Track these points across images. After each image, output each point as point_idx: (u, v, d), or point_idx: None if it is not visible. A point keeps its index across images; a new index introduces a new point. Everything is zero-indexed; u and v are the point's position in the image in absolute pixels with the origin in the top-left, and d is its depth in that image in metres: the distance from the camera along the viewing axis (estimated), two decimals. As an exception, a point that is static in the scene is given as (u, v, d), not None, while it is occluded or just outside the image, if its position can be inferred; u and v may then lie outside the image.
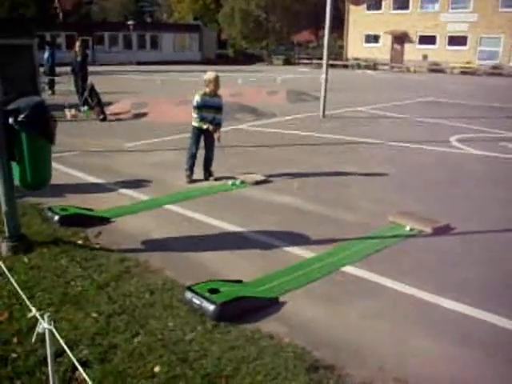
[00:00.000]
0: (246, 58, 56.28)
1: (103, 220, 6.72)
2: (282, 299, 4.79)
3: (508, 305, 4.82)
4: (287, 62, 53.48)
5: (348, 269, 5.47)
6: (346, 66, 47.29)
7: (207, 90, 8.36)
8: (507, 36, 40.95)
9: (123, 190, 8.15)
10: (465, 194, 8.21)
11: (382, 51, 48.40)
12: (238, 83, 26.60)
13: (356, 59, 48.66)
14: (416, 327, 4.44)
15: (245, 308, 4.54)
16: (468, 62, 42.39)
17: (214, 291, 4.63)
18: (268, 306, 4.66)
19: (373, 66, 46.47)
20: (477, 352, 4.10)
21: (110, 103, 17.15)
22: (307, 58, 51.81)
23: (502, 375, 3.78)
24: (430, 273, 5.47)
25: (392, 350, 4.09)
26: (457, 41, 43.75)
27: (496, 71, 39.63)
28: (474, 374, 3.82)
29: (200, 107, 8.34)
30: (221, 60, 54.39)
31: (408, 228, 6.49)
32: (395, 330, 4.39)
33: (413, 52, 46.39)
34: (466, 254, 6.00)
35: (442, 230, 6.51)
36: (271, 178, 8.78)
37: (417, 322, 4.51)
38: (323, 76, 16.00)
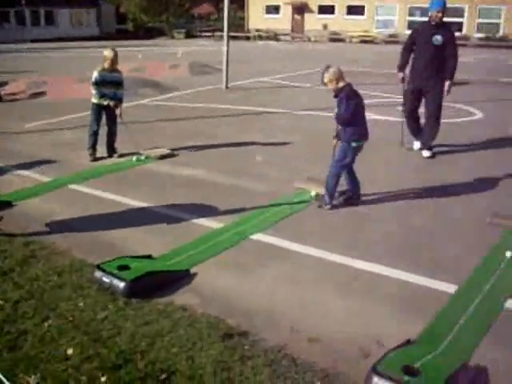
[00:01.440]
0: (147, 33, 55.00)
1: (5, 204, 6.46)
2: (193, 271, 4.82)
3: (416, 262, 5.08)
4: (189, 35, 52.79)
5: (257, 236, 5.57)
6: (247, 38, 47.29)
7: (105, 65, 8.16)
8: (402, 5, 42.25)
9: (25, 172, 7.85)
10: (368, 158, 8.47)
11: (282, 22, 48.72)
12: (139, 58, 26.02)
13: (258, 30, 48.70)
14: (327, 288, 4.59)
15: (156, 283, 4.54)
16: (366, 31, 43.46)
17: (123, 268, 4.60)
18: (179, 278, 4.68)
19: (274, 36, 46.71)
20: (388, 308, 4.30)
21: (4, 83, 16.36)
22: (209, 31, 51.36)
23: (413, 329, 3.97)
24: (337, 235, 5.67)
25: (305, 312, 4.22)
26: (355, 10, 44.72)
27: (393, 39, 40.82)
28: (387, 330, 3.99)
29: (99, 83, 8.13)
30: (120, 35, 52.88)
31: (313, 193, 6.65)
32: (307, 292, 4.53)
33: (313, 22, 47.01)
34: (373, 215, 6.24)
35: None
36: (177, 152, 8.72)
37: (328, 284, 4.67)
38: (224, 48, 15.95)
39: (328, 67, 6.05)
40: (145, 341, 3.77)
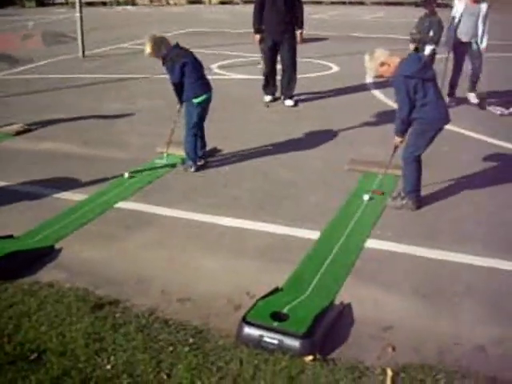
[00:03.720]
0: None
1: None
2: (58, 246, 4.68)
3: (281, 213, 5.28)
4: (41, 3, 49.89)
5: (122, 204, 5.50)
6: (104, 4, 45.45)
7: None
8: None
9: None
10: (230, 116, 8.58)
11: (139, -15, 47.28)
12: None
13: (115, -5, 47.00)
14: (195, 248, 4.65)
15: (19, 262, 4.36)
16: (225, -9, 43.26)
17: (-19, 251, 4.37)
18: (44, 255, 4.53)
19: (132, 1, 45.31)
20: (257, 261, 4.45)
21: None
22: (62, -2, 48.85)
23: (282, 277, 4.14)
24: (203, 196, 5.73)
25: (174, 275, 4.26)
26: (211, -30, 44.22)
27: (251, -1, 41.01)
28: (257, 281, 4.12)
29: None
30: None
31: (178, 156, 6.63)
32: (176, 254, 4.56)
33: (170, -16, 46.03)
34: (236, 172, 6.36)
35: (210, 153, 6.77)
36: (34, 127, 8.28)
37: (196, 244, 4.73)
38: (77, 14, 15.30)
39: (150, 37, 6.00)
40: (11, 323, 3.64)
